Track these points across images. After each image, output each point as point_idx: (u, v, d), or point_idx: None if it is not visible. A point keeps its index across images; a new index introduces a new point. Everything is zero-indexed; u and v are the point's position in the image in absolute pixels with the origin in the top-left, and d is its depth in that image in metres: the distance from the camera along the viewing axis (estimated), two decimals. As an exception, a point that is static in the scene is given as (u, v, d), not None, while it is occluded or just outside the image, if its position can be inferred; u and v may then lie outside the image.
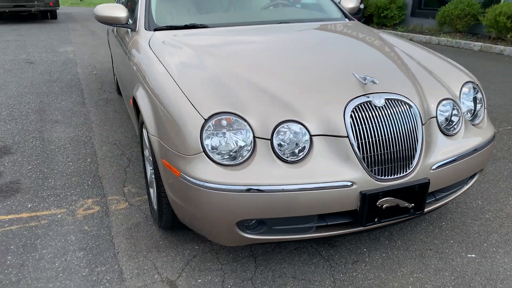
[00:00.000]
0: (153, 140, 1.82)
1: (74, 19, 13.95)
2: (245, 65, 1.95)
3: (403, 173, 1.68)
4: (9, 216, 2.30)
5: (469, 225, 2.21)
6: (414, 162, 1.70)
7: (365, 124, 1.65)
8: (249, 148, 1.60)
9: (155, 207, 2.13)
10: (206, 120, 1.60)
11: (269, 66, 1.94)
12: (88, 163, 2.97)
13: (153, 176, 2.20)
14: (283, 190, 1.55)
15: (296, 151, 1.61)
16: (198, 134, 1.59)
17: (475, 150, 1.88)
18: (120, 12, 2.65)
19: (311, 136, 1.63)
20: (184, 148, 1.62)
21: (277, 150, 1.60)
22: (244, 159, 1.59)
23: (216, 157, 1.59)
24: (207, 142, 1.59)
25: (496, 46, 7.98)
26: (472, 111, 2.02)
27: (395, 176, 1.67)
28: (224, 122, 1.61)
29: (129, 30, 2.76)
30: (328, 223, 1.70)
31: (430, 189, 1.75)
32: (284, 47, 2.18)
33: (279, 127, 1.62)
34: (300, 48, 2.17)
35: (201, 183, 1.57)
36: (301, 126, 1.63)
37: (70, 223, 2.24)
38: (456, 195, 2.00)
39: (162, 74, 1.92)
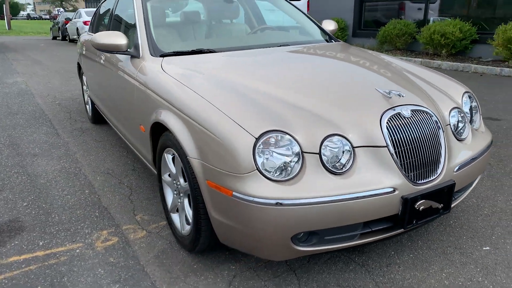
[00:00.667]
0: (194, 162, 1.84)
1: (10, 48, 13.26)
2: (272, 85, 2.03)
3: (433, 176, 1.84)
4: (23, 256, 2.17)
5: (473, 221, 2.43)
6: (441, 166, 1.87)
7: (398, 134, 1.80)
8: (298, 163, 1.67)
9: (186, 231, 2.12)
10: (257, 139, 1.66)
11: (293, 84, 2.04)
12: (88, 195, 2.86)
13: (178, 201, 2.20)
14: (335, 201, 1.64)
15: (342, 162, 1.72)
16: (250, 153, 1.64)
17: (484, 151, 2.10)
18: (121, 39, 2.64)
19: (353, 148, 1.74)
20: (236, 168, 1.66)
21: (326, 163, 1.69)
22: (295, 173, 1.66)
23: (269, 174, 1.65)
24: (259, 160, 1.65)
25: (434, 61, 8.73)
26: (469, 117, 2.26)
27: (427, 180, 1.82)
28: (272, 140, 1.68)
29: (130, 57, 2.75)
30: (373, 229, 1.80)
31: (455, 190, 1.93)
32: (300, 67, 2.30)
33: (325, 141, 1.71)
34: (315, 67, 2.30)
35: (257, 199, 1.62)
36: (344, 139, 1.74)
37: (92, 257, 2.15)
38: (467, 194, 2.20)
39: (195, 98, 1.95)
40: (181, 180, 2.11)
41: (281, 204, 1.61)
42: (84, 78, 4.58)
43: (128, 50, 2.72)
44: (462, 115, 2.12)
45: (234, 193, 1.67)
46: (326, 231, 1.73)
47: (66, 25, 20.00)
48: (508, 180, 2.97)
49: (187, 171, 1.92)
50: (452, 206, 2.04)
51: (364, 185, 1.69)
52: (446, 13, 9.89)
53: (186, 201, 2.13)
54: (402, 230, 1.83)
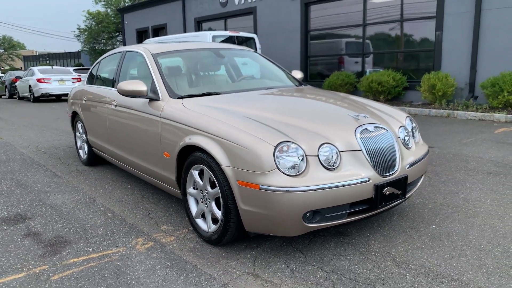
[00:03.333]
0: (227, 169, 2.51)
1: (-35, 107, 13.14)
2: (270, 113, 2.79)
3: (393, 171, 2.65)
4: (81, 258, 2.65)
5: (421, 212, 3.25)
6: (397, 164, 2.69)
7: (367, 142, 2.61)
8: (304, 163, 2.41)
9: (212, 229, 2.73)
10: (275, 147, 2.39)
11: (287, 112, 2.81)
12: (111, 217, 3.37)
13: (205, 206, 2.82)
14: (330, 187, 2.38)
15: (333, 162, 2.48)
16: (271, 157, 2.36)
17: (423, 156, 2.97)
18: (142, 86, 3.32)
19: (339, 152, 2.52)
20: (261, 168, 2.36)
21: (322, 162, 2.45)
22: (302, 170, 2.40)
23: (285, 171, 2.37)
24: (277, 161, 2.37)
25: (374, 106, 10.03)
26: (412, 134, 3.14)
27: (390, 173, 2.62)
28: (285, 148, 2.42)
29: (148, 100, 3.41)
30: (356, 209, 2.55)
31: (408, 181, 2.74)
32: (287, 101, 3.11)
33: (320, 148, 2.48)
34: (298, 101, 3.12)
35: (278, 188, 2.32)
36: (333, 146, 2.51)
37: (138, 255, 2.69)
38: (416, 188, 3.03)
39: (221, 123, 2.65)
40: (209, 188, 2.76)
41: (294, 191, 2.32)
42: (79, 125, 5.10)
43: (148, 94, 3.39)
44: (407, 131, 2.99)
45: (261, 186, 2.37)
46: (326, 210, 2.45)
47: (15, 83, 19.94)
48: (443, 186, 3.88)
49: (219, 177, 2.58)
50: (407, 195, 2.85)
51: (348, 176, 2.46)
52: (378, 66, 11.45)
53: (213, 203, 2.76)
54: (376, 211, 2.59)
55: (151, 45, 3.95)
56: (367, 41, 11.54)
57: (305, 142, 2.48)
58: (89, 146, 4.85)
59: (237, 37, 11.17)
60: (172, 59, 3.79)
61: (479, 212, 3.20)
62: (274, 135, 2.46)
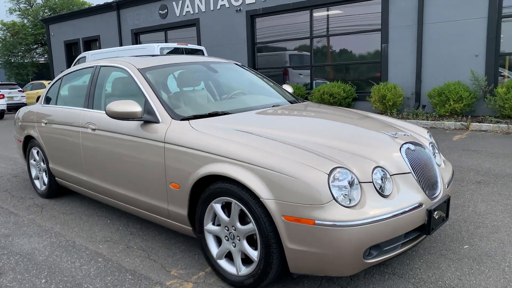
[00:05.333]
0: (269, 202, 2.15)
1: None
2: (301, 134, 2.49)
3: (438, 192, 2.47)
4: None
5: (444, 230, 3.12)
6: (439, 184, 2.51)
7: (413, 162, 2.41)
8: (358, 191, 2.14)
9: (245, 271, 2.35)
10: (329, 175, 2.09)
11: (318, 133, 2.53)
12: (104, 263, 2.83)
13: (232, 245, 2.43)
14: (390, 217, 2.13)
15: (386, 187, 2.23)
16: (327, 187, 2.06)
17: (453, 173, 2.84)
18: (136, 107, 2.85)
19: (390, 176, 2.28)
20: (316, 200, 2.05)
21: (378, 189, 2.19)
22: (358, 200, 2.12)
23: (342, 202, 2.07)
24: (333, 190, 2.07)
25: (328, 117, 10.11)
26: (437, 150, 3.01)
27: (436, 195, 2.44)
28: (337, 175, 2.12)
29: (141, 123, 2.93)
30: (410, 238, 2.32)
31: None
32: (312, 120, 2.81)
33: (373, 173, 2.22)
34: (323, 120, 2.84)
35: (339, 223, 2.02)
36: (384, 170, 2.27)
37: (159, 312, 2.22)
38: (444, 208, 2.90)
39: (254, 148, 2.29)
40: (238, 224, 2.37)
41: (356, 224, 2.03)
42: (34, 152, 4.38)
43: (143, 116, 2.91)
44: (434, 147, 2.85)
45: (316, 221, 2.05)
46: (384, 243, 2.18)
47: None
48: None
49: (256, 212, 2.22)
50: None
51: (404, 203, 2.22)
52: (326, 78, 11.62)
53: (245, 242, 2.38)
54: (427, 235, 2.38)
55: (131, 59, 3.46)
56: (311, 53, 11.68)
57: (356, 167, 2.21)
58: (51, 176, 4.17)
59: (185, 49, 10.73)
60: (161, 75, 3.34)
61: (499, 226, 3.15)
62: (323, 161, 2.16)
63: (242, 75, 3.86)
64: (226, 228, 2.46)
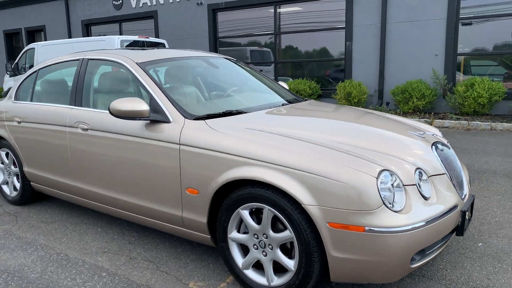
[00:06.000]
0: (311, 209, 2.02)
1: None
2: (332, 135, 2.37)
3: (465, 192, 2.46)
4: None
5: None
6: (465, 184, 2.51)
7: (444, 162, 2.38)
8: (403, 194, 2.06)
9: (277, 282, 2.21)
10: (377, 178, 1.99)
11: (347, 134, 2.42)
12: (109, 278, 2.56)
13: (263, 254, 2.27)
14: (434, 220, 2.07)
15: (427, 189, 2.17)
16: (376, 191, 1.96)
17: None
18: (143, 105, 2.60)
19: (429, 177, 2.23)
20: (366, 205, 1.94)
21: (422, 192, 2.12)
22: (404, 203, 2.04)
23: (390, 206, 1.98)
24: (382, 195, 1.97)
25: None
26: None
27: (464, 195, 2.42)
28: (384, 178, 2.03)
29: (147, 123, 2.68)
30: (446, 240, 2.28)
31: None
32: (334, 121, 2.70)
33: (415, 175, 2.15)
34: (337, 121, 2.74)
35: (389, 229, 1.93)
36: (423, 172, 2.21)
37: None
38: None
39: (287, 151, 2.14)
40: (271, 232, 2.22)
41: (406, 230, 1.95)
42: (2, 153, 3.92)
43: (150, 115, 2.66)
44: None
45: (366, 227, 1.94)
46: (428, 247, 2.13)
47: None
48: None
49: (295, 219, 2.07)
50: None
51: (443, 205, 2.18)
52: (290, 75, 11.64)
53: (278, 251, 2.22)
54: (460, 235, 2.36)
55: (125, 52, 3.16)
56: (276, 50, 11.64)
57: (399, 169, 2.13)
58: (25, 180, 3.75)
59: (146, 42, 10.27)
60: (162, 70, 3.08)
61: (502, 222, 3.23)
62: (369, 164, 2.05)
63: (240, 71, 3.67)
64: (256, 236, 2.29)
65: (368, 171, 2.01)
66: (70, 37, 15.68)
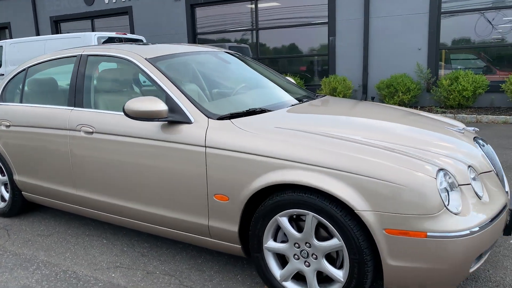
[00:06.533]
0: (366, 215, 1.85)
1: None
2: (375, 133, 2.21)
3: (507, 189, 2.35)
4: None
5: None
6: (505, 180, 2.40)
7: (489, 158, 2.26)
8: (460, 194, 1.92)
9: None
10: (435, 179, 1.84)
11: (386, 132, 2.27)
12: (129, 296, 2.31)
13: (305, 264, 2.09)
14: (492, 221, 1.94)
15: (480, 189, 2.04)
16: (437, 193, 1.81)
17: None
18: (161, 105, 2.36)
19: (478, 174, 2.10)
20: (427, 209, 1.79)
21: (477, 192, 1.99)
22: (461, 204, 1.90)
23: (452, 209, 1.84)
24: (443, 197, 1.83)
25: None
26: None
27: (507, 192, 2.32)
28: (442, 178, 1.88)
29: (164, 124, 2.44)
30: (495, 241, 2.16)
31: (510, 198, 2.49)
32: (367, 119, 2.54)
33: (469, 173, 2.02)
34: (376, 117, 2.59)
35: (453, 234, 1.79)
36: (473, 169, 2.08)
37: None
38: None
39: (331, 152, 1.96)
40: (315, 241, 2.04)
41: (469, 234, 1.82)
42: (-12, 160, 3.56)
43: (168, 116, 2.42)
44: (478, 142, 2.75)
45: (428, 233, 1.79)
46: (486, 249, 2.00)
47: None
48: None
49: (346, 226, 1.90)
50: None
51: (496, 204, 2.06)
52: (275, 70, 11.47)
53: (324, 261, 2.04)
54: (507, 235, 2.25)
55: (130, 47, 2.90)
56: (257, 45, 11.45)
57: (453, 168, 1.99)
58: (15, 190, 3.41)
59: (124, 38, 9.88)
60: (174, 66, 2.83)
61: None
62: (425, 164, 1.90)
63: (249, 67, 3.44)
64: (297, 245, 2.10)
65: (426, 171, 1.85)
66: (37, 34, 14.94)
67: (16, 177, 3.33)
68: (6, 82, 3.48)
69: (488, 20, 8.79)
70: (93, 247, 2.94)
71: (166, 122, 2.45)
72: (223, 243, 2.36)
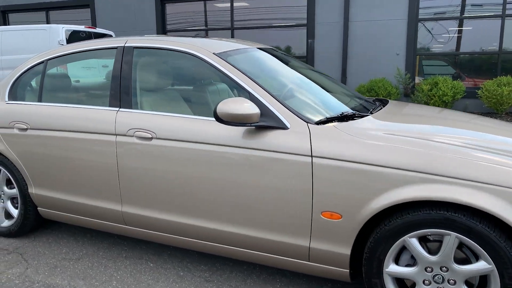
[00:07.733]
0: None
1: None
2: (487, 143, 2.03)
3: None
4: None
5: None
6: None
7: None
8: None
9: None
10: None
11: (491, 139, 2.09)
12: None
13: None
14: None
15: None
16: None
17: None
18: (253, 107, 2.01)
19: None
20: None
21: None
22: None
23: None
24: None
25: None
26: None
27: None
28: None
29: (251, 130, 2.10)
30: None
31: None
32: (460, 125, 2.35)
33: None
34: (467, 123, 2.41)
35: None
36: None
37: None
38: None
39: (477, 164, 1.74)
40: (454, 264, 1.80)
41: None
42: (1, 169, 2.97)
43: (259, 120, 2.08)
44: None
45: None
46: None
47: None
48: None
49: (499, 247, 1.69)
50: None
51: None
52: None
53: (464, 287, 1.81)
54: None
55: (189, 40, 2.50)
56: (236, 45, 11.12)
57: None
58: (27, 206, 2.85)
59: (94, 33, 9.15)
60: (243, 63, 2.46)
61: None
62: None
63: (305, 68, 3.12)
64: (429, 269, 1.85)
65: None
66: (-18, 25, 13.52)
67: (32, 190, 2.78)
68: (16, 77, 2.91)
69: (460, 29, 9.14)
70: (140, 272, 2.50)
71: (253, 127, 2.11)
72: (325, 267, 2.06)
